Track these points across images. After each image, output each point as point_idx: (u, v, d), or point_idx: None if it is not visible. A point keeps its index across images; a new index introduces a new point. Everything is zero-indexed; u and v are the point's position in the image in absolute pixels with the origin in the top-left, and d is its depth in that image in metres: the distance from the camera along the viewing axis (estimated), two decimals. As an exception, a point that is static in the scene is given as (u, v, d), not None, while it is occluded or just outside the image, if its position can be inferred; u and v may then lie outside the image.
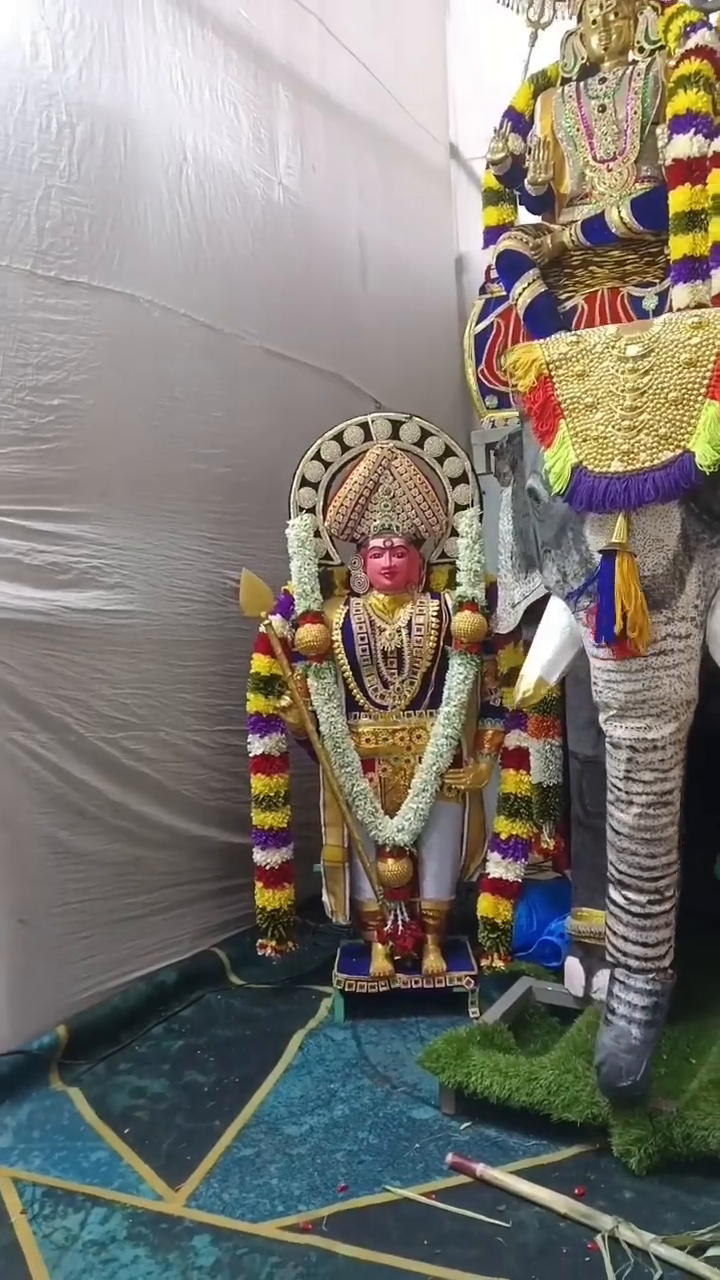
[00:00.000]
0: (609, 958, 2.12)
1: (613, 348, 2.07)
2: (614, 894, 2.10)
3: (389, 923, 2.85)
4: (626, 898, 2.07)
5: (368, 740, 2.84)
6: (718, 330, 1.99)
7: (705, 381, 1.97)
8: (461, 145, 4.72)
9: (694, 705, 2.04)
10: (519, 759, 2.81)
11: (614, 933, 2.10)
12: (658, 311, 2.74)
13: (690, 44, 2.66)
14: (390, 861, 2.83)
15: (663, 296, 2.74)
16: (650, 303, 2.79)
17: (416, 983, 2.81)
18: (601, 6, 2.93)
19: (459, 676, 2.79)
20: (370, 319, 4.04)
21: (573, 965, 2.59)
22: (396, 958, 2.84)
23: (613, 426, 2.01)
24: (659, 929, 2.07)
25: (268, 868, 2.89)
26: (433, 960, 2.83)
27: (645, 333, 2.06)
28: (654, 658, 1.99)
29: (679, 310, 2.56)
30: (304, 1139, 2.24)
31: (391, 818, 2.83)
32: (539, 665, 2.23)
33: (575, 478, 2.02)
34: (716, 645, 2.04)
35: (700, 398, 1.97)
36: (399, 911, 2.86)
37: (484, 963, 2.82)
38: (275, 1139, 2.25)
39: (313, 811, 2.92)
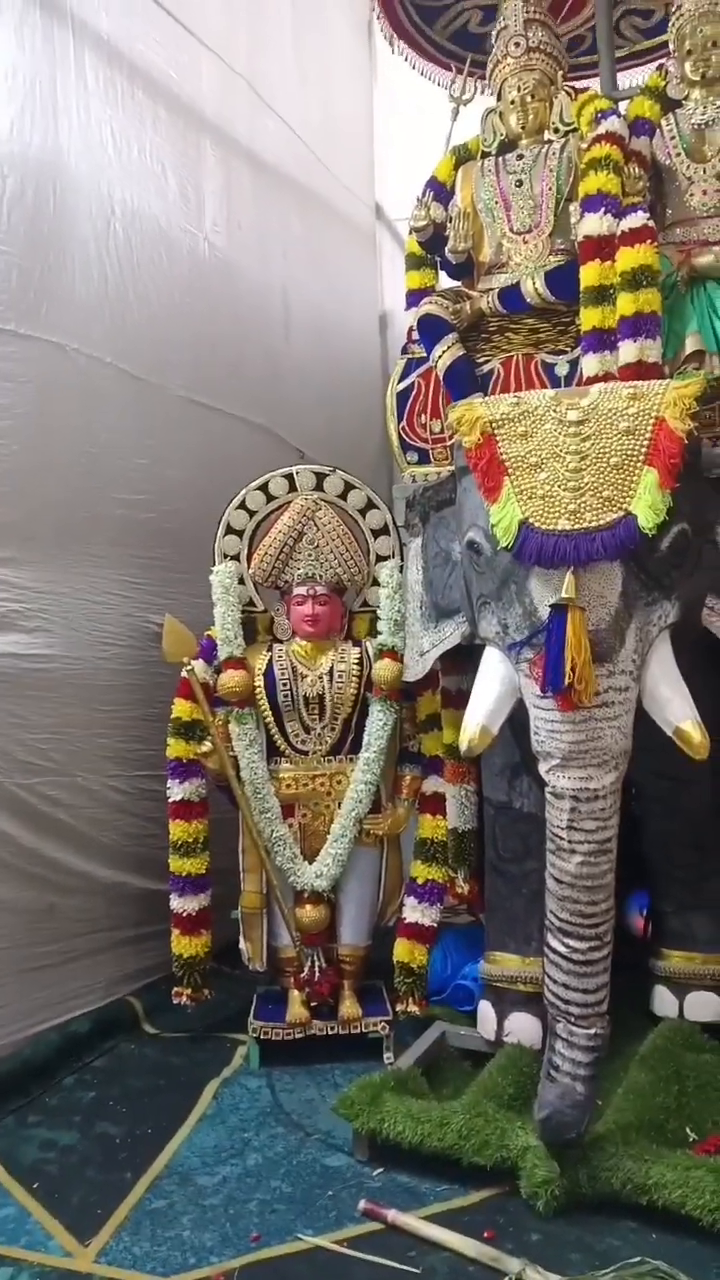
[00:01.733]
0: (549, 1008, 2.17)
1: (553, 411, 2.19)
2: (554, 942, 2.14)
3: (306, 969, 2.87)
4: (568, 945, 2.12)
5: (288, 785, 2.87)
6: (653, 402, 2.13)
7: (644, 449, 2.11)
8: (386, 206, 4.89)
9: (629, 756, 2.14)
10: (436, 804, 2.88)
11: (554, 981, 2.14)
12: (569, 378, 2.87)
13: (601, 129, 2.83)
14: (308, 907, 2.85)
15: (574, 364, 2.87)
16: (562, 369, 2.92)
17: (332, 1029, 2.82)
18: (519, 89, 3.08)
19: (379, 723, 2.85)
20: (295, 372, 4.13)
21: (485, 1009, 2.64)
22: (313, 1004, 2.85)
23: (558, 486, 2.12)
24: (598, 975, 2.13)
25: (185, 914, 2.88)
26: (349, 1006, 2.85)
27: (583, 400, 2.18)
28: (596, 709, 2.08)
29: (590, 377, 2.71)
30: (217, 1189, 2.23)
31: (310, 863, 2.85)
32: (482, 714, 2.28)
33: (522, 533, 2.12)
34: (651, 699, 2.15)
35: (640, 464, 2.10)
36: (316, 957, 2.88)
37: (399, 1008, 2.85)
38: (188, 1190, 2.23)
39: (231, 857, 2.92)
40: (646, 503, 2.05)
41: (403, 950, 2.86)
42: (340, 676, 2.86)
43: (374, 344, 4.84)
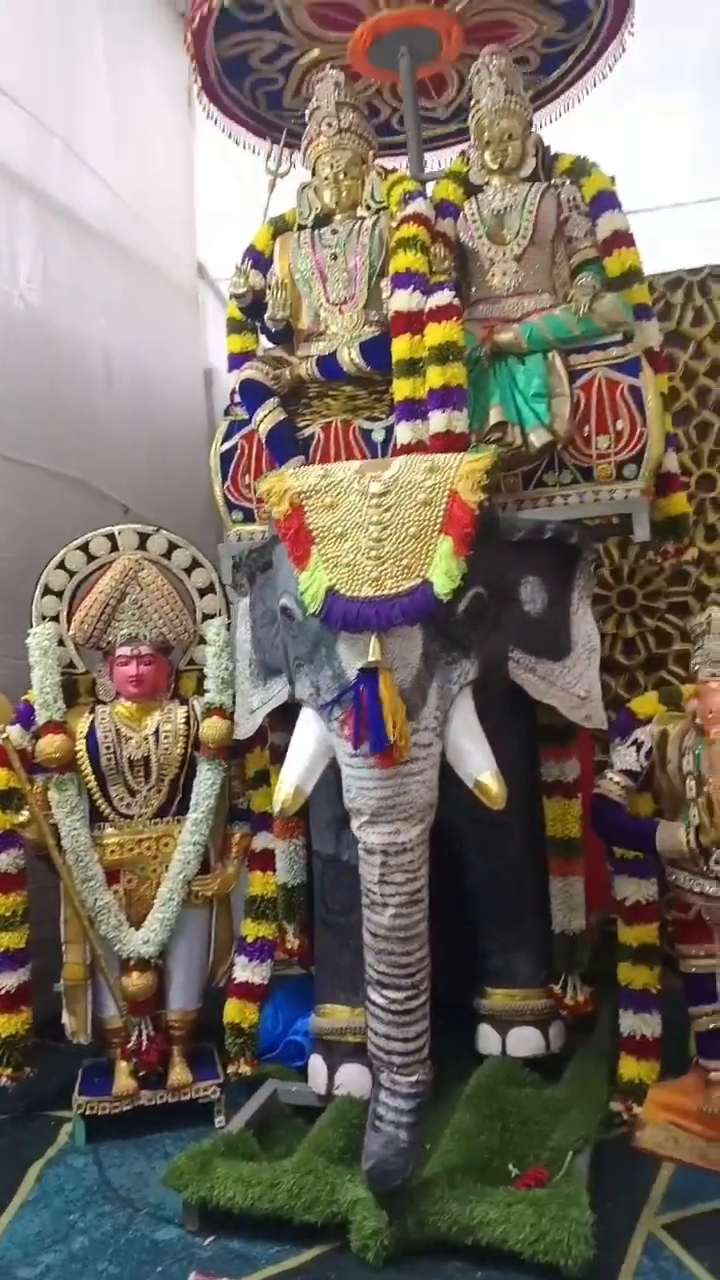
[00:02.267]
0: (372, 1059, 2.21)
1: (357, 483, 2.31)
2: (374, 994, 2.20)
3: (133, 1038, 2.81)
4: (386, 996, 2.18)
5: (113, 851, 2.82)
6: (448, 475, 2.28)
7: (440, 519, 2.24)
8: (209, 265, 4.97)
9: (434, 808, 2.24)
10: (265, 861, 2.90)
11: (375, 1033, 2.20)
12: (385, 443, 3.00)
13: (409, 210, 2.99)
14: (135, 975, 2.79)
15: (390, 430, 2.99)
16: (379, 435, 3.04)
17: (161, 1098, 2.77)
18: (332, 166, 3.20)
19: (207, 782, 2.85)
20: (119, 428, 4.12)
21: (316, 1064, 2.66)
22: (141, 1074, 2.79)
23: (362, 555, 2.23)
24: (418, 1022, 2.19)
25: (4, 992, 2.76)
26: (178, 1073, 2.80)
27: (385, 472, 2.32)
28: (402, 765, 2.18)
29: (404, 444, 2.84)
30: (40, 1280, 2.14)
31: (137, 929, 2.81)
32: (296, 775, 2.35)
33: (329, 600, 2.21)
34: (453, 752, 2.27)
35: (436, 533, 2.23)
36: (144, 1026, 2.82)
37: (230, 1069, 2.84)
38: (8, 1286, 2.14)
39: (53, 926, 2.84)
40: (442, 570, 2.19)
41: (233, 1010, 2.85)
42: (166, 737, 2.85)
43: (199, 398, 4.89)
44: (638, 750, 2.55)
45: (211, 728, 2.85)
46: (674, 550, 3.11)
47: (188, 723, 2.88)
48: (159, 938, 2.80)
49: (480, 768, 2.25)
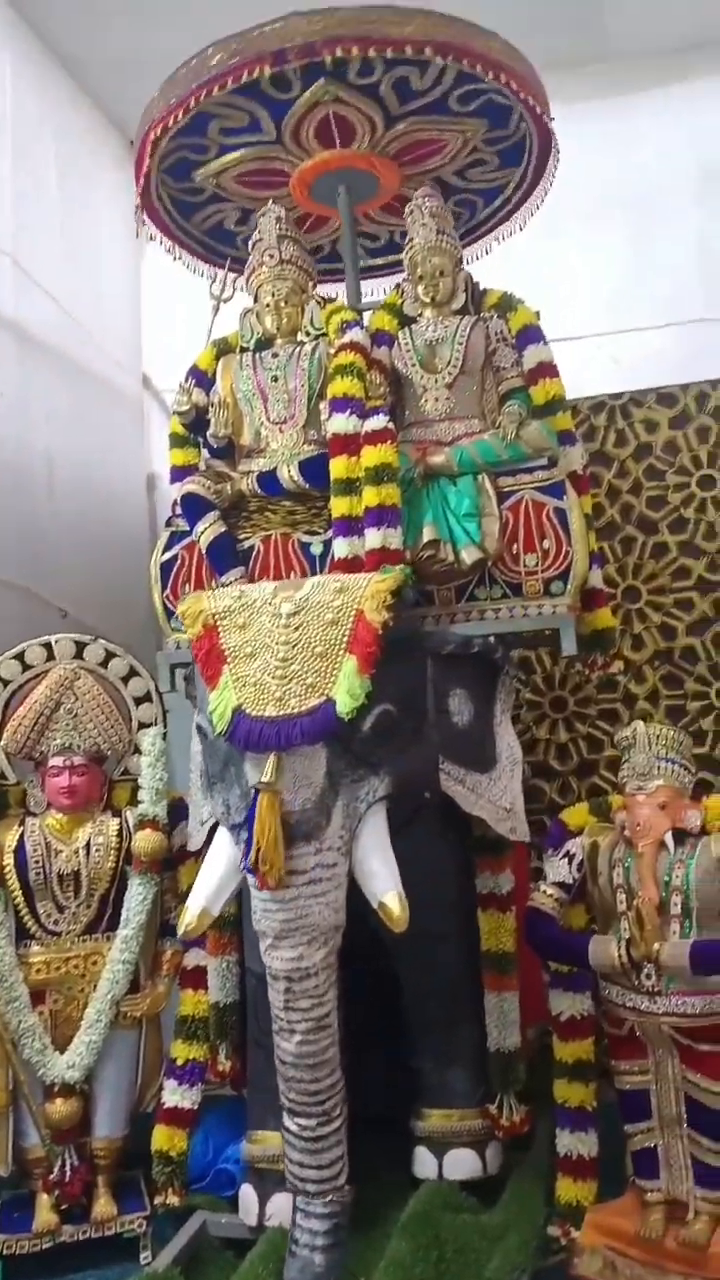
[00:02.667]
0: (289, 1185, 2.16)
1: (270, 604, 2.37)
2: (286, 1121, 2.18)
3: (56, 1169, 2.69)
4: (297, 1124, 2.16)
5: (39, 970, 2.75)
6: (356, 595, 2.33)
7: (345, 639, 2.29)
8: (154, 376, 5.11)
9: (341, 930, 2.24)
10: (197, 979, 2.84)
11: (290, 1160, 2.17)
12: (323, 556, 3.08)
13: (346, 339, 3.13)
14: (59, 1101, 2.70)
15: (328, 544, 3.06)
16: (317, 549, 3.10)
17: (85, 1233, 2.65)
18: (274, 294, 3.33)
19: (138, 897, 2.81)
20: (59, 533, 4.17)
21: (247, 1193, 2.58)
22: (63, 1207, 2.67)
23: (268, 675, 2.26)
24: (331, 1149, 2.17)
25: None
26: (103, 1205, 2.69)
27: (298, 592, 2.38)
28: (304, 887, 2.17)
29: (341, 558, 2.92)
30: None
31: (62, 1053, 2.72)
32: (203, 895, 2.34)
33: (235, 719, 2.23)
34: (359, 871, 2.27)
35: (342, 652, 2.28)
36: (68, 1155, 2.71)
37: (158, 1200, 2.72)
38: None
39: (-27, 1052, 2.74)
40: (344, 689, 2.23)
41: (162, 1137, 2.75)
42: (98, 850, 2.81)
43: (141, 504, 4.96)
44: (570, 862, 2.58)
45: (144, 840, 2.82)
46: (600, 663, 3.21)
47: (120, 835, 2.85)
48: (85, 1062, 2.72)
49: (384, 888, 2.24)
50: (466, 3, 3.16)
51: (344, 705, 2.20)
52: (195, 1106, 2.78)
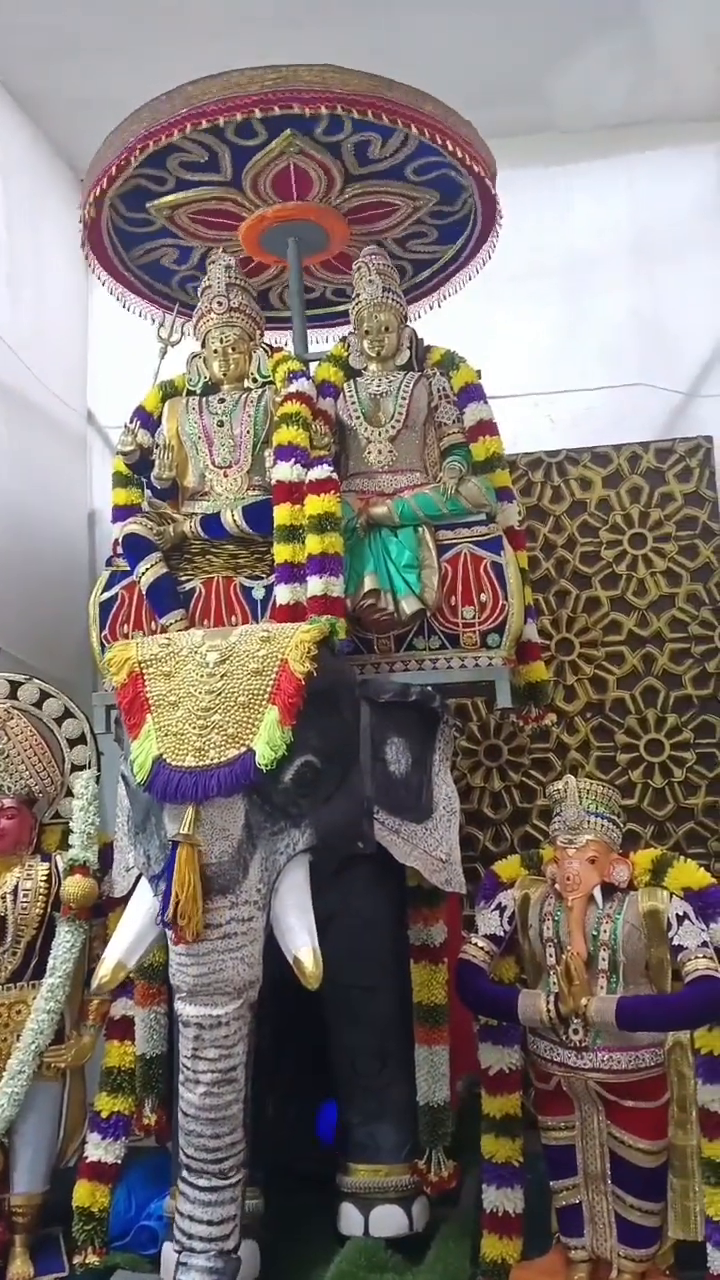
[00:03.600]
0: (174, 1237, 2.13)
1: (196, 652, 2.36)
2: (183, 1174, 2.14)
3: (-30, 1229, 2.61)
4: (192, 1179, 2.12)
5: (-40, 1019, 2.67)
6: (281, 645, 2.34)
7: (269, 689, 2.28)
8: (98, 412, 5.09)
9: (258, 984, 2.22)
10: (124, 1029, 2.78)
11: (179, 1211, 2.13)
12: (265, 601, 3.09)
13: (292, 388, 3.17)
14: (-24, 1157, 2.62)
15: (269, 589, 3.08)
16: (259, 593, 3.11)
17: (-3, 1297, 2.56)
18: (221, 341, 3.37)
19: (66, 945, 2.75)
20: (-5, 567, 4.11)
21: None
22: (-23, 1269, 2.58)
23: (190, 724, 2.25)
24: (223, 1206, 2.13)
25: None
26: (19, 1266, 2.61)
27: (224, 641, 2.37)
28: (219, 941, 2.15)
29: (283, 604, 2.93)
30: None
31: (-18, 1106, 2.64)
32: (120, 947, 2.30)
33: (155, 769, 2.21)
34: (276, 925, 2.25)
35: (264, 703, 2.27)
36: (-16, 1213, 2.63)
37: (76, 1259, 2.64)
38: None
39: None
40: (264, 739, 2.22)
41: (83, 1193, 2.67)
42: (25, 895, 2.76)
43: (82, 540, 4.91)
44: (501, 914, 2.61)
45: (73, 886, 2.78)
46: (534, 715, 3.27)
47: (49, 880, 2.80)
48: (5, 1114, 2.64)
49: (299, 944, 2.22)
50: (416, 68, 3.27)
51: (263, 756, 2.19)
52: (119, 1161, 2.71)
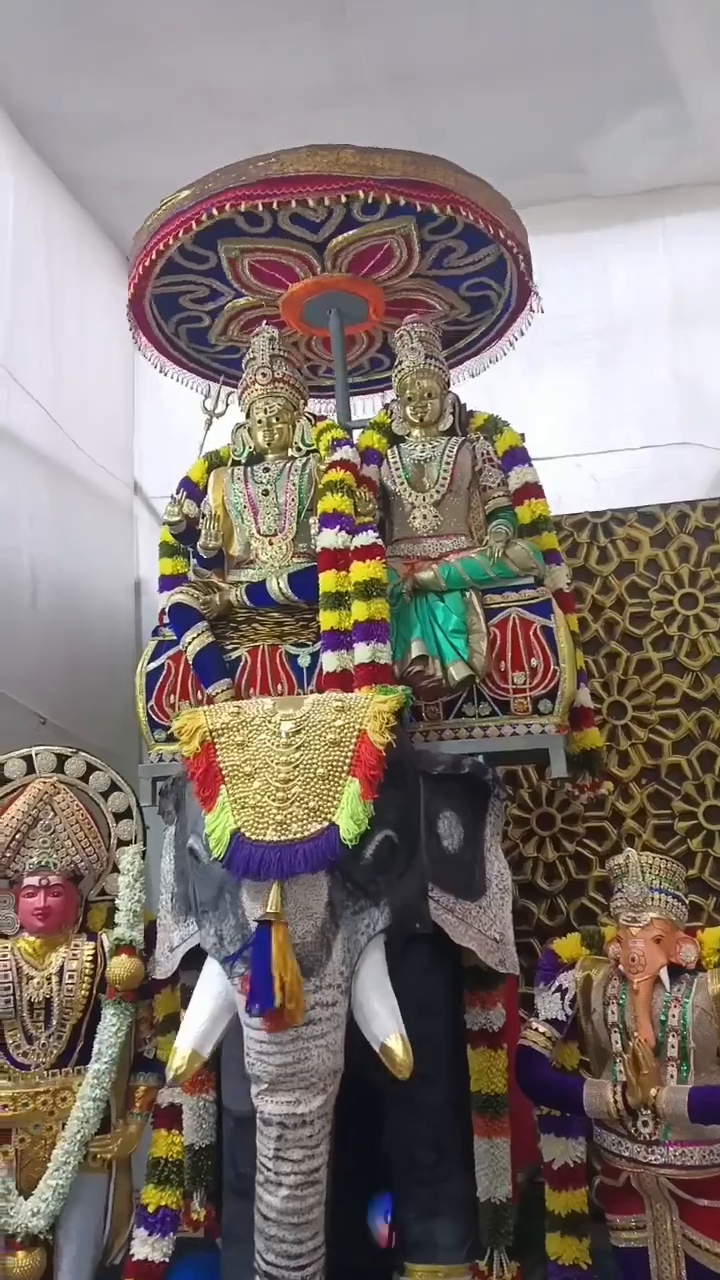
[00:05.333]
0: None
1: (269, 721, 2.29)
2: None
3: (13, 1331, 2.50)
4: None
5: (5, 1107, 2.59)
6: (358, 715, 2.27)
7: (348, 760, 2.22)
8: (145, 483, 5.17)
9: (339, 1075, 2.11)
10: (172, 1118, 2.69)
11: None
12: (310, 669, 3.05)
13: (336, 456, 3.18)
14: (20, 1254, 2.52)
15: (315, 656, 3.05)
16: (304, 661, 3.08)
17: None
18: (266, 411, 3.38)
19: (111, 1029, 2.67)
20: (41, 638, 4.14)
21: None
22: None
23: (268, 796, 2.17)
24: None
25: None
26: None
27: (297, 710, 2.31)
28: (304, 1028, 2.05)
29: (329, 672, 2.89)
30: None
31: (26, 1198, 2.54)
32: (192, 1037, 2.20)
33: (234, 844, 2.14)
34: (359, 1011, 2.15)
35: (344, 775, 2.20)
36: (26, 1315, 2.52)
37: None
38: None
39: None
40: (348, 813, 2.15)
41: (130, 1294, 2.57)
42: (71, 976, 2.69)
43: (128, 609, 4.96)
44: (562, 997, 2.50)
45: (119, 967, 2.70)
46: (589, 784, 3.18)
47: (94, 961, 2.73)
48: (50, 1208, 2.54)
49: (386, 1030, 2.13)
50: (453, 143, 3.32)
51: (348, 831, 2.12)
52: (166, 1259, 2.60)
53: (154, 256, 3.43)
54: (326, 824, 2.14)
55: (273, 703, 2.38)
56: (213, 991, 2.24)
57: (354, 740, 2.24)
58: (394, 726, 2.26)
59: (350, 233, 3.37)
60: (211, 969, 2.27)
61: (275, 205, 3.21)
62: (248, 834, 2.14)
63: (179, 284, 3.62)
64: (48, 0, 3.95)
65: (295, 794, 2.18)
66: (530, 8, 3.99)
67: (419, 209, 3.22)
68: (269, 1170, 2.05)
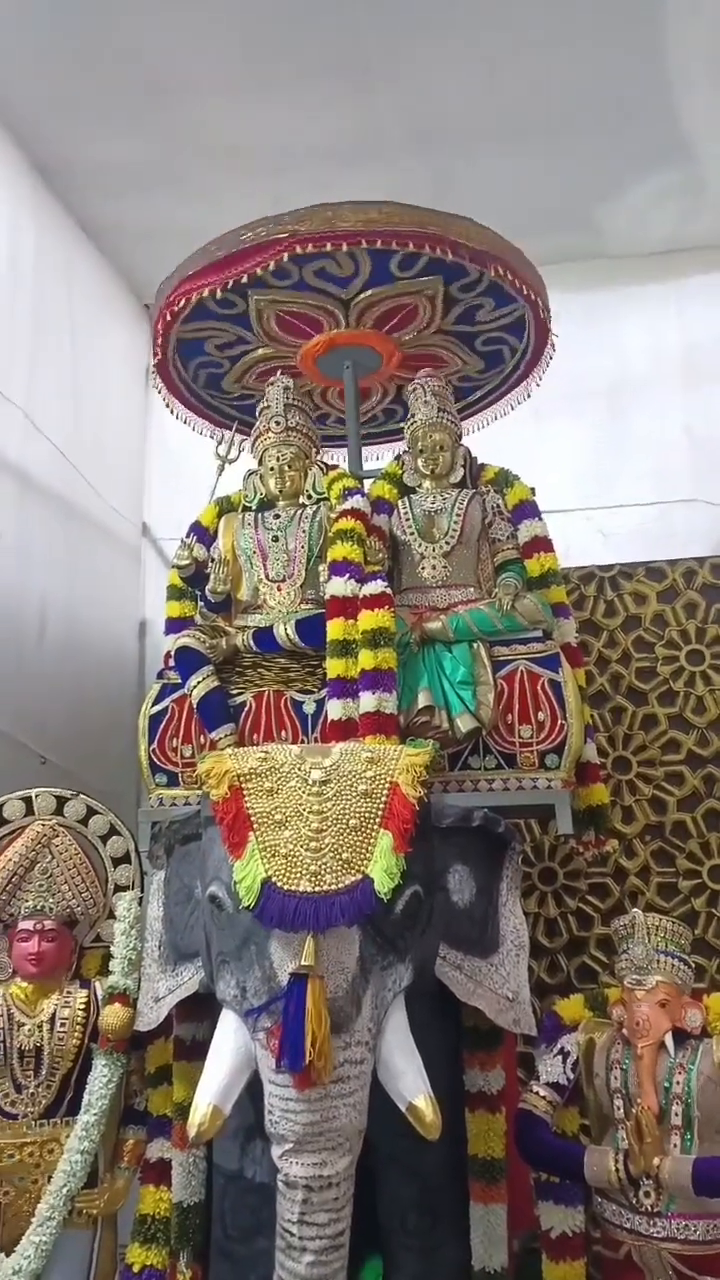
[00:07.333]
0: None
1: (298, 769, 2.25)
2: None
3: None
4: None
5: (-10, 1158, 2.53)
6: (390, 766, 2.25)
7: (381, 812, 2.18)
8: (153, 525, 5.19)
9: (363, 1135, 2.06)
10: (160, 1173, 2.60)
11: None
12: (315, 715, 3.03)
13: (347, 505, 3.20)
14: (0, 1314, 2.44)
15: (320, 703, 3.04)
16: (310, 708, 3.07)
17: None
18: (278, 459, 3.41)
19: (102, 1079, 2.61)
20: (45, 678, 4.13)
21: None
22: None
23: (300, 846, 2.13)
24: None
25: None
26: None
27: (326, 759, 2.27)
28: (332, 1085, 1.99)
29: (334, 720, 2.87)
30: None
31: (8, 1255, 2.47)
32: (212, 1092, 2.11)
33: (265, 893, 2.09)
34: (384, 1069, 2.10)
35: (377, 827, 2.17)
36: None
37: None
38: None
39: None
40: (382, 866, 2.11)
41: None
42: (63, 1024, 2.64)
43: (133, 650, 4.96)
44: (564, 1060, 2.44)
45: (113, 1016, 2.64)
46: (594, 841, 3.14)
47: (87, 1009, 2.68)
48: (32, 1266, 2.46)
49: (414, 1090, 2.07)
50: (472, 201, 3.39)
51: (382, 884, 2.08)
52: (149, 1323, 2.52)
53: (184, 303, 3.48)
54: (360, 876, 2.10)
55: (300, 750, 2.34)
56: (233, 1046, 2.16)
57: (386, 792, 2.21)
58: (426, 780, 2.24)
59: (377, 289, 3.43)
60: (231, 1022, 2.20)
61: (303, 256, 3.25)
62: (279, 883, 2.09)
63: (206, 329, 3.66)
64: (74, 53, 4.05)
65: (328, 844, 2.14)
66: (548, 70, 4.09)
67: (449, 262, 3.26)
68: (292, 1235, 1.97)
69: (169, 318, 3.54)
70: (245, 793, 2.23)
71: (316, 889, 2.08)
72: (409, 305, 3.51)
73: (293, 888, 2.09)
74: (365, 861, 2.13)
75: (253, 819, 2.19)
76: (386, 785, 2.22)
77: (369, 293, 3.44)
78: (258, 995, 2.13)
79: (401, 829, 2.17)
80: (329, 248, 3.23)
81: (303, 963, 2.02)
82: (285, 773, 2.25)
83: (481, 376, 3.87)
